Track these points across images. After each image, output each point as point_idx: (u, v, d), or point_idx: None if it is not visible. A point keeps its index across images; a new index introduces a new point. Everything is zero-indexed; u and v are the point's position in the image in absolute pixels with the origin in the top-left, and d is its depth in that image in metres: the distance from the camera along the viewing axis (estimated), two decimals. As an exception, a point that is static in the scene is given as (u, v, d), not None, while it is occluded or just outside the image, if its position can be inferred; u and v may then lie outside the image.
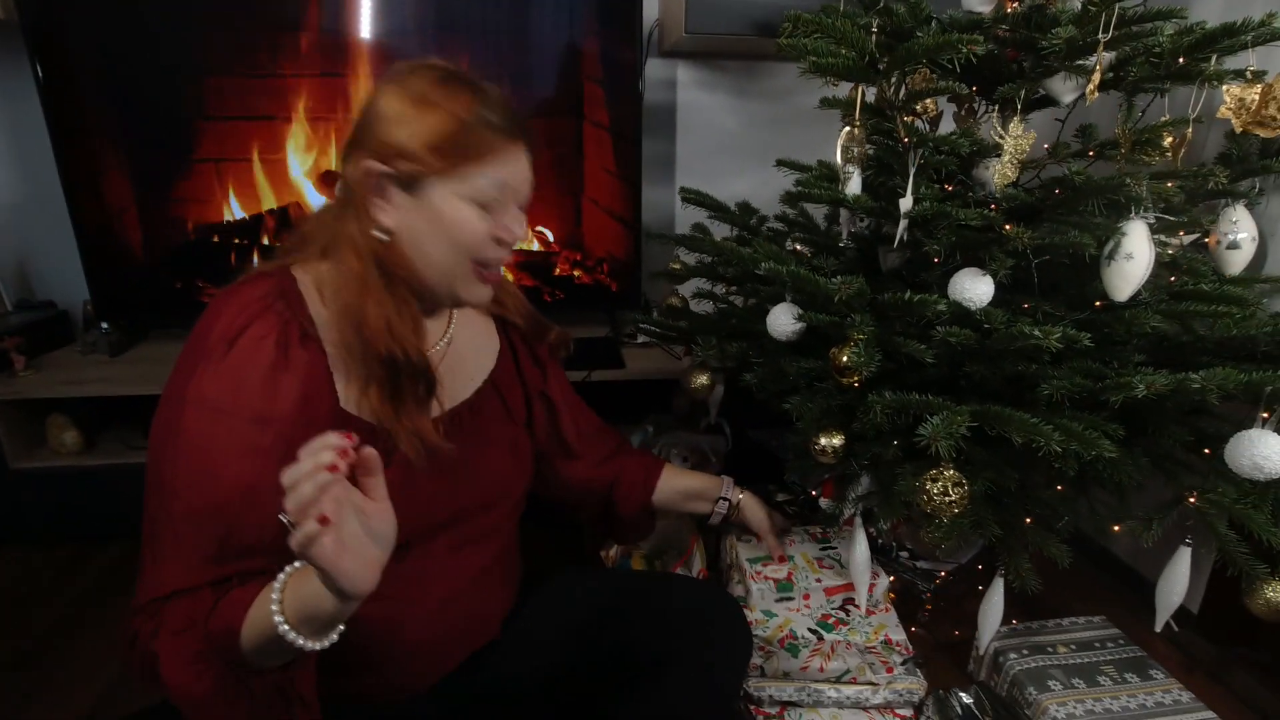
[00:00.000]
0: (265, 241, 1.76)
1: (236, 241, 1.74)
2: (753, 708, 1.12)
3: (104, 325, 1.76)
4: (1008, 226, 0.96)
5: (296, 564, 0.58)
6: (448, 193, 0.70)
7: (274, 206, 1.74)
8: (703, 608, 0.90)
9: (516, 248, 1.01)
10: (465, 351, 0.86)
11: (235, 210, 1.72)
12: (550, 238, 1.86)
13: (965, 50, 0.88)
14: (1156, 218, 0.97)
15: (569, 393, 1.03)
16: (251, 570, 0.65)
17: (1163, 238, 1.06)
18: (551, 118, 1.77)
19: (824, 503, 1.57)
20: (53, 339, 1.78)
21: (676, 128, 1.98)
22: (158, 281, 1.74)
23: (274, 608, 0.56)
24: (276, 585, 0.57)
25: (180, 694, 0.60)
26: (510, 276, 1.84)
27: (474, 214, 0.71)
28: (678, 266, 1.48)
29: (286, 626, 0.56)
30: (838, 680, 1.10)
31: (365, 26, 1.64)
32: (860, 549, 1.16)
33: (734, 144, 2.01)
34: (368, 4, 1.63)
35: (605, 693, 0.83)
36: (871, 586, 1.21)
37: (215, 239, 1.74)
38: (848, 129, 1.00)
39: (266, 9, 1.60)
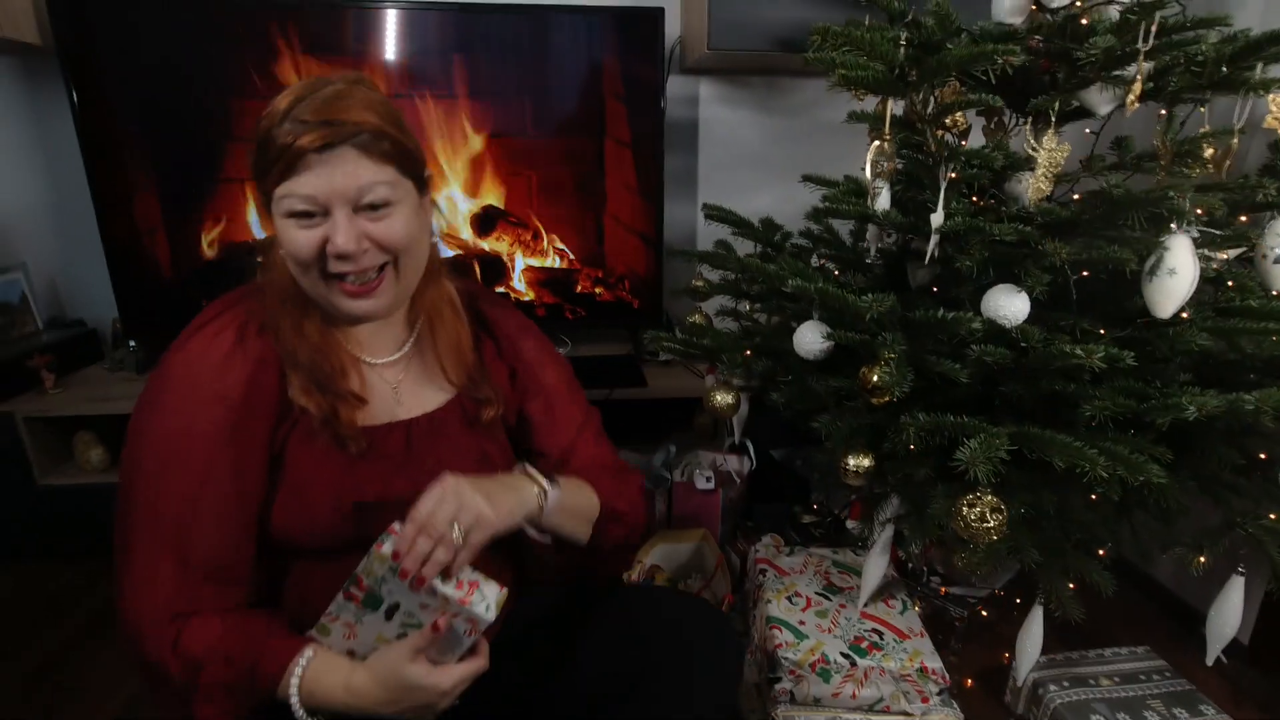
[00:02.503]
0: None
1: (260, 260, 1.75)
2: (781, 739, 1.08)
3: (132, 343, 1.78)
4: (1045, 241, 0.93)
5: (309, 654, 0.67)
6: (276, 211, 0.68)
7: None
8: (682, 621, 0.81)
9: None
10: (442, 359, 0.81)
11: (257, 230, 1.74)
12: (571, 255, 1.85)
13: (1001, 61, 0.86)
14: (1200, 231, 0.93)
15: (551, 416, 0.89)
16: (233, 601, 0.70)
17: (1207, 252, 1.02)
18: (574, 135, 1.77)
19: (851, 524, 1.54)
20: (82, 357, 1.81)
21: (698, 144, 1.98)
22: (185, 299, 1.75)
23: (294, 696, 0.66)
24: (296, 673, 0.66)
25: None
26: (532, 294, 1.84)
27: (298, 231, 0.67)
28: (700, 284, 1.46)
29: (302, 712, 0.67)
30: (870, 709, 1.06)
31: (390, 48, 1.66)
32: (880, 548, 1.12)
33: (756, 160, 2.00)
34: (393, 26, 1.64)
35: (578, 714, 0.79)
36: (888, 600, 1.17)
37: (241, 258, 1.76)
38: (877, 143, 0.98)
39: (295, 31, 1.62)
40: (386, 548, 0.65)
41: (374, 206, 0.68)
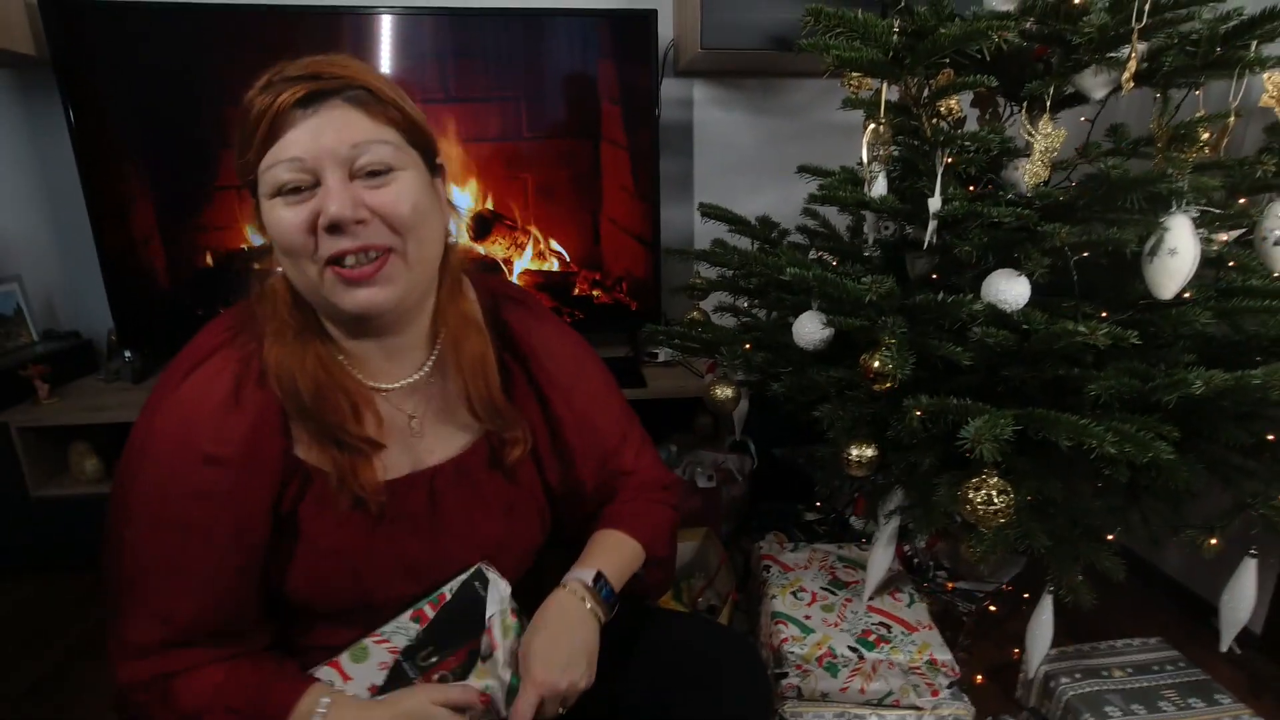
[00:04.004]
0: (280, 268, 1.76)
1: (256, 267, 1.75)
2: (789, 736, 1.06)
3: (128, 354, 1.77)
4: (1044, 223, 0.92)
5: (327, 700, 0.63)
6: (263, 198, 0.60)
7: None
8: (713, 653, 0.77)
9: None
10: (468, 392, 0.70)
11: (254, 237, 1.74)
12: (568, 257, 1.85)
13: (996, 38, 0.86)
14: (1200, 211, 0.93)
15: (587, 439, 0.79)
16: (231, 652, 0.65)
17: (1207, 233, 1.02)
18: (569, 138, 1.77)
19: (855, 520, 1.52)
20: (77, 368, 1.80)
21: (694, 147, 1.98)
22: (180, 308, 1.74)
23: None
24: (319, 712, 0.62)
25: None
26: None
27: (285, 210, 0.58)
28: (698, 280, 1.46)
29: None
30: (879, 704, 1.04)
31: (386, 53, 1.66)
32: (885, 539, 1.11)
33: (751, 161, 2.00)
34: (388, 31, 1.65)
35: None
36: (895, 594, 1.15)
37: (235, 266, 1.75)
38: (872, 126, 0.97)
39: (289, 40, 1.63)
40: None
41: (374, 174, 0.59)
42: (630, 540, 0.79)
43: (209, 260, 1.74)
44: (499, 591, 0.71)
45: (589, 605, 0.72)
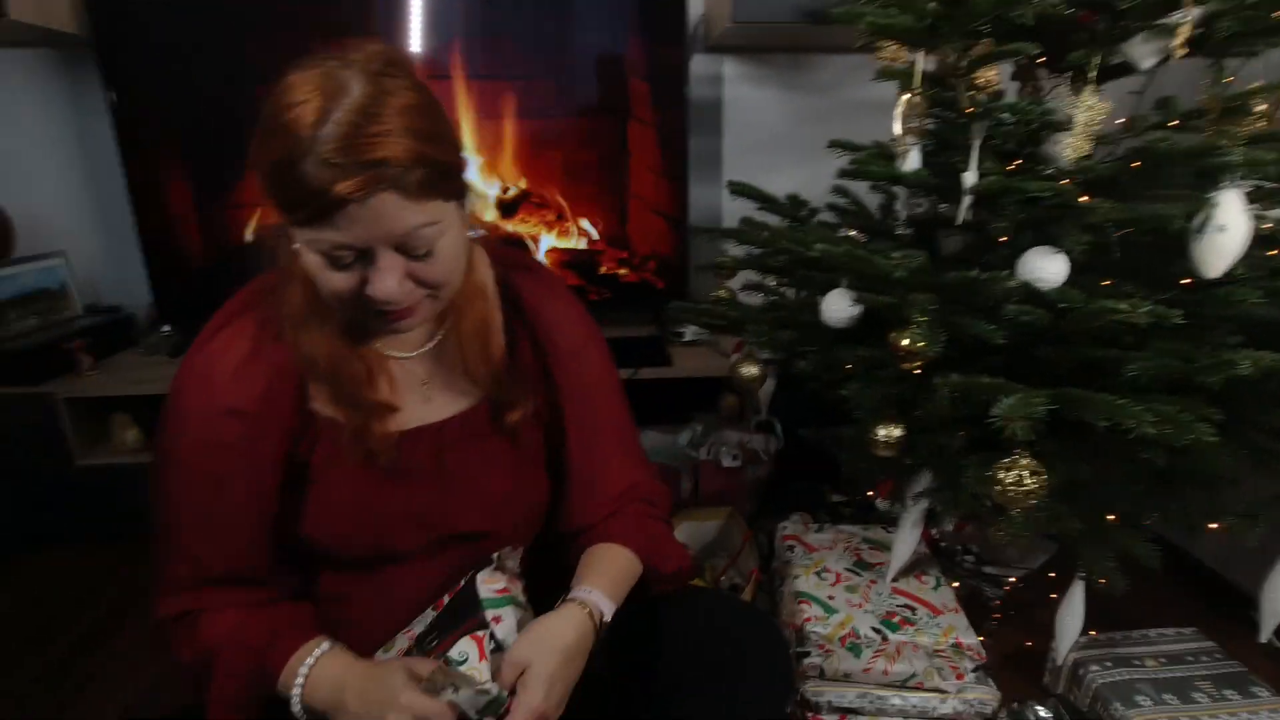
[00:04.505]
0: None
1: (270, 247, 1.78)
2: (810, 715, 1.06)
3: (166, 328, 1.81)
4: (1085, 198, 0.89)
5: (322, 648, 0.67)
6: (301, 241, 0.59)
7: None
8: (735, 631, 0.76)
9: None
10: (466, 357, 0.74)
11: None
12: (596, 236, 1.85)
13: (1038, 4, 0.82)
14: (1253, 186, 0.89)
15: (591, 433, 0.81)
16: (255, 599, 0.70)
17: (1259, 209, 0.98)
18: (597, 116, 1.76)
19: (881, 503, 1.50)
20: (118, 341, 1.85)
21: (722, 123, 1.95)
22: (216, 284, 1.78)
23: (296, 690, 0.65)
24: (302, 671, 0.65)
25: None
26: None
27: (332, 273, 0.59)
28: (726, 259, 1.44)
29: (300, 709, 0.65)
30: (903, 685, 1.03)
31: (414, 30, 1.66)
32: (912, 521, 1.09)
33: (781, 139, 1.97)
34: (417, 8, 1.65)
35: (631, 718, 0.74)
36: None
37: (268, 241, 1.78)
38: (907, 97, 0.95)
39: (322, 18, 1.64)
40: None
41: (418, 248, 0.61)
42: (635, 565, 0.77)
43: (243, 236, 1.77)
44: (491, 585, 0.69)
45: (592, 640, 0.69)
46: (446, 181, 0.61)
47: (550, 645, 0.65)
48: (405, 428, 0.72)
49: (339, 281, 0.60)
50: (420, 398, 0.74)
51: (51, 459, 1.63)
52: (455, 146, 0.64)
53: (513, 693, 0.63)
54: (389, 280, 0.59)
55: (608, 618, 0.71)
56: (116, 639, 1.38)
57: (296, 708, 0.65)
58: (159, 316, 1.81)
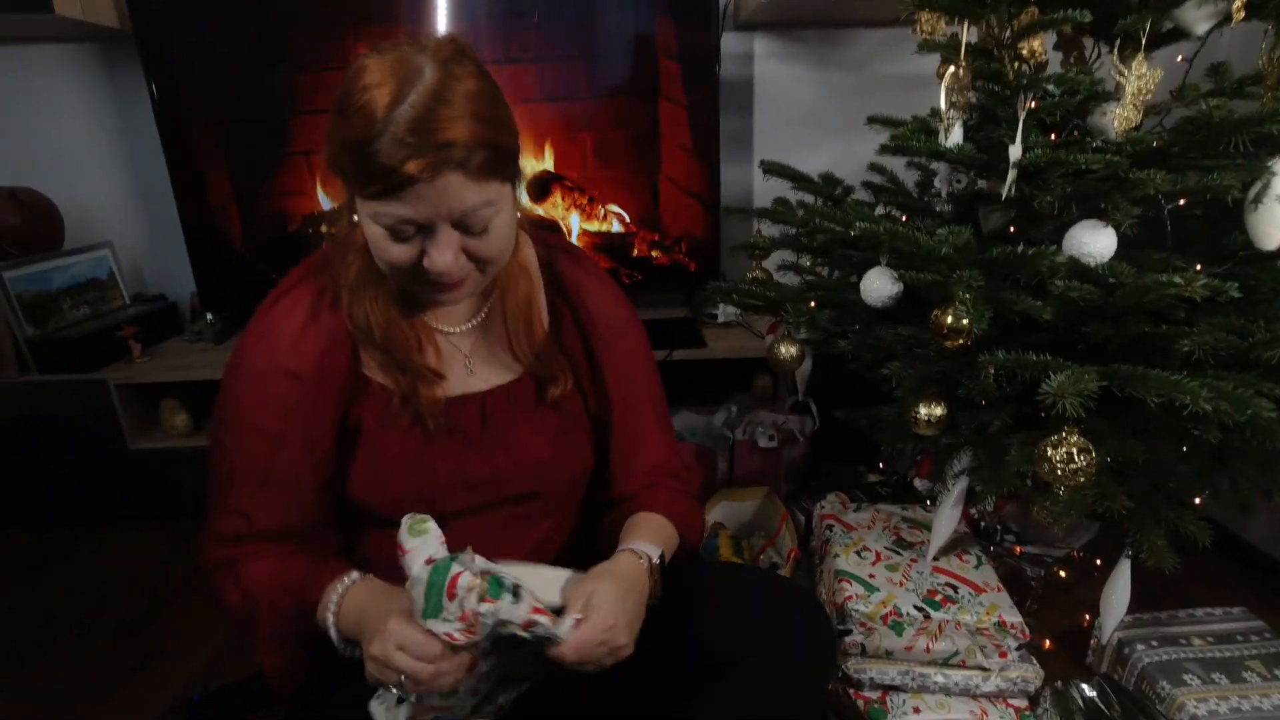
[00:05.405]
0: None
1: (326, 230, 1.81)
2: (853, 691, 1.06)
3: (209, 315, 1.86)
4: (1135, 171, 0.87)
5: (350, 578, 0.69)
6: (364, 214, 0.64)
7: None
8: (778, 603, 0.77)
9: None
10: (510, 333, 0.78)
11: (324, 201, 1.79)
12: (627, 218, 1.84)
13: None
14: (1314, 153, 0.86)
15: (632, 407, 0.83)
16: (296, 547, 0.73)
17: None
18: (627, 97, 1.75)
19: (919, 483, 1.49)
20: (164, 329, 1.90)
21: (754, 102, 1.93)
22: (256, 272, 1.82)
23: (330, 615, 0.67)
24: (334, 599, 0.67)
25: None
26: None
27: (392, 244, 0.63)
28: (759, 238, 1.43)
29: (336, 635, 0.67)
30: (945, 663, 1.03)
31: (445, 15, 1.67)
32: (953, 500, 1.09)
33: (813, 117, 1.94)
34: (447, -6, 1.65)
35: (666, 694, 0.75)
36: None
37: (308, 229, 1.81)
38: (951, 70, 0.93)
39: (357, 9, 1.65)
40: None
41: (476, 226, 0.64)
42: (675, 533, 0.81)
43: (284, 225, 1.81)
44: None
45: (649, 582, 0.71)
46: (505, 164, 0.64)
47: (611, 573, 0.68)
48: (451, 394, 0.76)
49: (398, 253, 0.64)
50: (464, 370, 0.78)
51: (106, 443, 1.69)
52: (514, 132, 0.66)
53: (546, 651, 0.61)
54: (447, 254, 0.63)
55: (659, 562, 0.73)
56: (178, 615, 1.43)
57: (333, 634, 0.68)
58: (202, 304, 1.86)
